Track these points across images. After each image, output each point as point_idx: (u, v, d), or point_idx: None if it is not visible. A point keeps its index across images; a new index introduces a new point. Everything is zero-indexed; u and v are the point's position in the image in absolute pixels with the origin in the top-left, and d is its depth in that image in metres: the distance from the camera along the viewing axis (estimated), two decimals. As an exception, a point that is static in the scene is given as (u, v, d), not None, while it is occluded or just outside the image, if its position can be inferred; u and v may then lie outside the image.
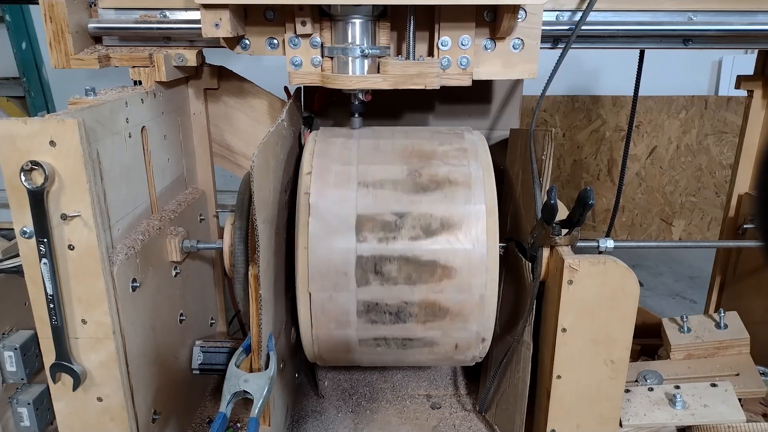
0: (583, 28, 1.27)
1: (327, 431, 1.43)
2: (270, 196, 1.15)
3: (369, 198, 1.22)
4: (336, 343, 1.30)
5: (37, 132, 0.93)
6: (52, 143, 0.94)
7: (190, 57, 1.30)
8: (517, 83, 1.62)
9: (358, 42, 1.24)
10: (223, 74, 1.48)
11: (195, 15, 1.28)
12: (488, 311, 1.24)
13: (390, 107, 1.63)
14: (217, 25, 1.16)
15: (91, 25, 1.29)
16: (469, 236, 1.20)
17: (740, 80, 1.59)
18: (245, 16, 1.26)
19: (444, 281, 1.21)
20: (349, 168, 1.26)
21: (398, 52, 1.32)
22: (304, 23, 1.22)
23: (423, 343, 1.29)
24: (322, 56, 1.27)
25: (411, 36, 1.24)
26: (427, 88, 1.25)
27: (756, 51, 1.59)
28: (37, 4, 1.20)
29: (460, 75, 1.28)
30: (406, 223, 1.21)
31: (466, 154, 1.29)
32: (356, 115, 1.39)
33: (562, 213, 1.20)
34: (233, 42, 1.27)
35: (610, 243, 1.26)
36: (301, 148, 1.40)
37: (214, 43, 1.28)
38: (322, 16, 1.25)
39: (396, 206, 1.22)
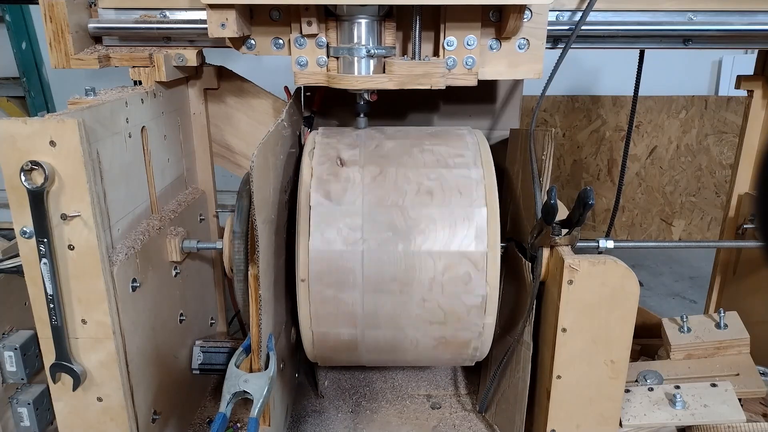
0: (583, 28, 1.27)
1: (327, 431, 1.43)
2: (270, 196, 1.15)
3: (371, 200, 1.22)
4: (336, 343, 1.30)
5: (37, 132, 0.93)
6: (52, 143, 0.94)
7: (190, 57, 1.30)
8: (517, 83, 1.62)
9: (363, 42, 1.24)
10: (223, 74, 1.48)
11: (195, 15, 1.28)
12: (489, 314, 1.25)
13: (391, 107, 1.63)
14: (223, 25, 1.16)
15: (91, 25, 1.29)
16: (471, 240, 1.20)
17: (740, 80, 1.58)
18: (251, 16, 1.26)
19: (445, 284, 1.21)
20: (350, 169, 1.26)
21: (404, 52, 1.32)
22: (309, 23, 1.22)
23: (423, 345, 1.29)
24: (328, 56, 1.27)
25: (417, 36, 1.25)
26: (433, 88, 1.25)
27: (756, 51, 1.59)
28: (37, 4, 1.20)
29: (465, 75, 1.28)
30: (408, 225, 1.21)
31: (468, 156, 1.28)
32: (361, 115, 1.39)
33: (562, 213, 1.20)
34: (239, 42, 1.27)
35: (610, 243, 1.26)
36: (301, 148, 1.40)
37: (217, 43, 1.28)
38: (328, 16, 1.25)
39: (398, 210, 1.22)
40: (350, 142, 1.32)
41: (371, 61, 1.26)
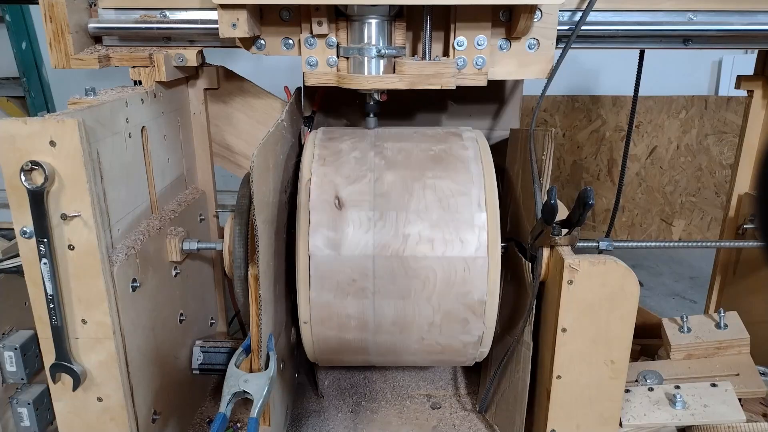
0: (583, 28, 1.27)
1: (327, 431, 1.43)
2: (270, 197, 1.15)
3: (371, 249, 1.21)
4: (336, 344, 1.31)
5: (37, 132, 0.93)
6: (52, 143, 0.94)
7: (190, 57, 1.30)
8: (517, 83, 1.62)
9: (374, 42, 1.24)
10: (223, 74, 1.48)
11: (195, 15, 1.28)
12: (489, 315, 1.25)
13: (392, 107, 1.63)
14: (234, 25, 1.17)
15: (91, 25, 1.29)
16: (469, 289, 1.20)
17: (740, 80, 1.58)
18: (261, 16, 1.26)
19: (444, 327, 1.23)
20: (349, 213, 1.24)
21: (413, 53, 1.32)
22: (320, 23, 1.23)
23: (421, 363, 1.35)
24: (338, 56, 1.27)
25: (427, 36, 1.25)
26: (443, 88, 1.25)
27: (756, 51, 1.59)
28: (37, 4, 1.20)
29: (475, 75, 1.28)
30: (409, 275, 1.21)
31: (472, 195, 1.25)
32: (371, 115, 1.39)
33: (562, 213, 1.20)
34: (249, 42, 1.27)
35: (610, 243, 1.26)
36: (301, 148, 1.40)
37: (225, 42, 1.28)
38: (338, 16, 1.25)
39: (398, 260, 1.21)
40: (348, 173, 1.26)
41: (381, 61, 1.26)
